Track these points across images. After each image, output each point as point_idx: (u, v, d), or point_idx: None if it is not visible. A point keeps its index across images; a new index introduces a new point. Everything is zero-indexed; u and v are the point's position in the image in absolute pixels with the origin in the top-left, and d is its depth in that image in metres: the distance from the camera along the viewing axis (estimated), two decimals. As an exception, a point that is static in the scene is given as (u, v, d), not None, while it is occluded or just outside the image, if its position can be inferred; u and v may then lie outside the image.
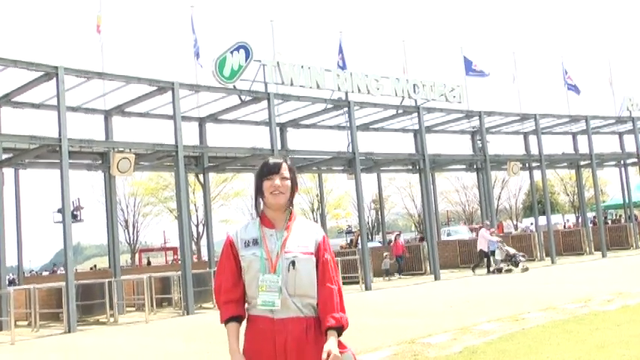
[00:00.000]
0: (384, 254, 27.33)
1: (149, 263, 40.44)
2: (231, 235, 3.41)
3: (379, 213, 41.75)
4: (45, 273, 48.79)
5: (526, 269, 23.39)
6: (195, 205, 42.75)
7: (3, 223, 18.77)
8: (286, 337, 3.17)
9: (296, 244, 3.30)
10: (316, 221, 48.81)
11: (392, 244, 29.16)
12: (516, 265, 23.78)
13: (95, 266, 52.65)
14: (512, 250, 24.44)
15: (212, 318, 16.12)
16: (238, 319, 3.31)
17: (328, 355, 3.13)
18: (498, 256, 24.14)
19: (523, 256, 24.47)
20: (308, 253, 3.29)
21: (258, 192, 3.38)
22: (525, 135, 33.28)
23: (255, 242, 3.31)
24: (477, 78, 27.66)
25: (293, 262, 3.24)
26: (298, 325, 3.20)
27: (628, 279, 17.41)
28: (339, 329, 3.25)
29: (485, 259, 24.83)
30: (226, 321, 3.30)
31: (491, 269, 24.14)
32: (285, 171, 3.37)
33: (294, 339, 3.17)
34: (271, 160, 3.42)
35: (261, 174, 3.38)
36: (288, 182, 3.36)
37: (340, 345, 3.28)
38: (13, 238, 21.43)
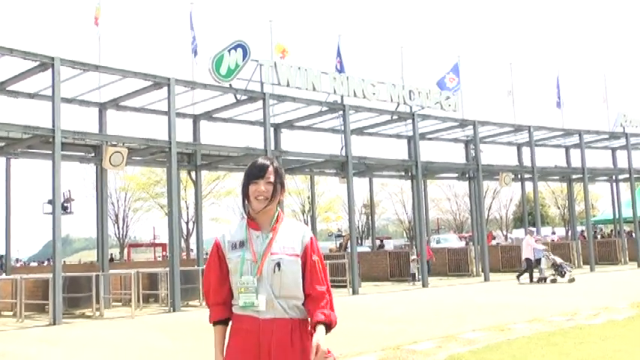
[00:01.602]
0: (412, 258, 26.34)
1: (111, 260, 38.51)
2: (218, 238, 3.42)
3: (370, 218, 41.75)
4: (33, 264, 48.57)
5: (573, 280, 22.16)
6: (186, 202, 42.66)
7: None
8: (271, 337, 3.19)
9: (282, 245, 3.30)
10: (307, 223, 48.95)
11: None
12: (562, 275, 22.54)
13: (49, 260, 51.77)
14: (558, 260, 23.21)
15: (198, 315, 16.10)
16: (225, 321, 3.37)
17: (317, 349, 3.14)
18: (544, 265, 23.03)
19: (570, 266, 23.27)
20: (293, 255, 3.29)
21: (245, 194, 3.38)
22: (519, 146, 33.37)
23: (242, 244, 3.32)
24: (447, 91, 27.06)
25: (278, 264, 3.24)
26: (284, 326, 3.21)
27: (615, 294, 17.48)
28: (328, 325, 3.26)
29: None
30: (214, 323, 3.39)
31: (536, 278, 22.99)
32: (271, 175, 3.35)
33: (278, 339, 3.19)
34: (258, 162, 3.41)
35: (248, 177, 3.37)
36: (273, 187, 3.34)
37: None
38: (1, 228, 21.38)
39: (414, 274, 25.75)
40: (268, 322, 3.20)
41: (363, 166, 26.90)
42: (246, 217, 3.41)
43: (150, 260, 41.14)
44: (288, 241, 3.32)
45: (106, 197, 22.69)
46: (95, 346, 11.99)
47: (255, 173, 3.36)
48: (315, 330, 3.23)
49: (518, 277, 23.57)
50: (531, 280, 22.99)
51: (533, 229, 26.24)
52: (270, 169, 3.36)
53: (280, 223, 3.38)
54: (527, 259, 23.39)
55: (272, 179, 3.34)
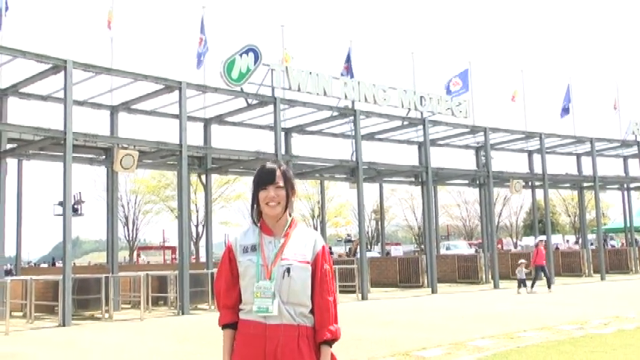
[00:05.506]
0: (520, 262, 23.68)
1: (59, 263, 37.01)
2: (231, 241, 3.40)
3: (379, 223, 41.68)
4: (44, 265, 48.76)
5: None
6: (196, 205, 42.73)
7: (4, 213, 18.79)
8: (277, 343, 3.16)
9: (293, 251, 3.26)
10: (316, 228, 48.93)
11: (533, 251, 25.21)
12: None
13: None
14: None
15: (206, 319, 16.11)
16: (234, 325, 3.32)
17: None
18: None
19: None
20: (304, 262, 3.25)
21: (255, 200, 3.35)
22: (529, 153, 33.27)
23: (254, 248, 3.29)
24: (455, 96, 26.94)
25: (288, 270, 3.21)
26: (290, 332, 3.18)
27: (625, 303, 17.35)
28: (333, 340, 3.26)
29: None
30: (223, 326, 3.36)
31: None
32: (280, 180, 3.30)
33: (285, 346, 3.15)
34: (266, 168, 3.36)
35: (257, 183, 3.33)
36: (284, 191, 3.30)
37: (331, 357, 3.29)
38: (12, 229, 21.46)
39: (524, 279, 22.75)
40: (274, 327, 3.17)
41: (374, 171, 26.86)
42: (256, 223, 3.37)
43: (160, 263, 41.23)
44: (299, 248, 3.29)
45: (116, 200, 22.75)
46: (103, 348, 12.01)
47: (263, 179, 3.31)
48: (320, 348, 3.24)
49: None
50: None
51: None
52: (278, 173, 3.32)
53: (293, 229, 3.35)
54: None
55: (281, 183, 3.30)
